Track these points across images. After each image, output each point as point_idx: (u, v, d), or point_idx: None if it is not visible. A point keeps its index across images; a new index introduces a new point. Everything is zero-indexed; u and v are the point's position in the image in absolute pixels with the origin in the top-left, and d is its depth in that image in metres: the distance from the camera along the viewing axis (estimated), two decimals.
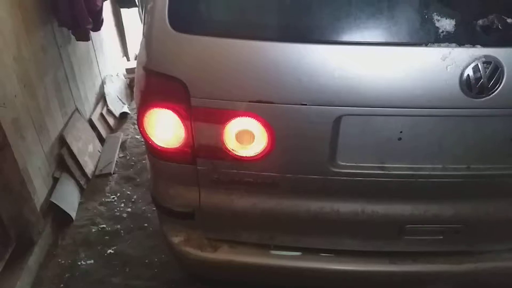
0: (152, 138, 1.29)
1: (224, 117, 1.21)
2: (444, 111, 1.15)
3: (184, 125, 1.23)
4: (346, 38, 1.11)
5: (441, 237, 1.39)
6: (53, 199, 2.38)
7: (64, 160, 2.61)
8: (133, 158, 3.13)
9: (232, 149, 1.25)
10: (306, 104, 1.16)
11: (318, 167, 1.27)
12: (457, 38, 1.06)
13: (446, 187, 1.30)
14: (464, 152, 1.25)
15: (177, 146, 1.28)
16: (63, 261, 2.22)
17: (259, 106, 1.17)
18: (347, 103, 1.15)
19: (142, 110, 1.25)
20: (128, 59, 4.48)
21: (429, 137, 1.22)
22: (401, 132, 1.21)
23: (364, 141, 1.24)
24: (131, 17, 4.40)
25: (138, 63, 1.31)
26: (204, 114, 1.21)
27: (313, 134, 1.21)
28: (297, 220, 1.37)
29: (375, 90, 1.12)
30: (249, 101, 1.17)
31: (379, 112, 1.16)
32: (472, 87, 1.09)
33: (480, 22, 1.06)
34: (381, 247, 1.43)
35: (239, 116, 1.20)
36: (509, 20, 1.05)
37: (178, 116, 1.22)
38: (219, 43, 1.15)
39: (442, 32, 1.06)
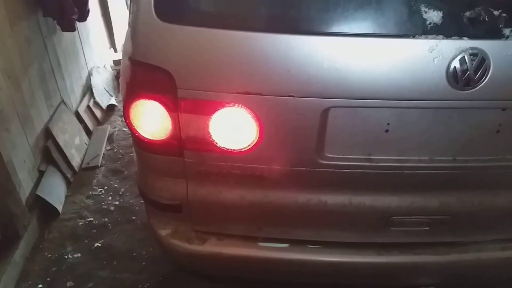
0: (138, 130, 1.28)
1: (211, 108, 1.19)
2: (431, 103, 1.15)
3: (170, 117, 1.22)
4: (334, 29, 1.11)
5: (427, 228, 1.40)
6: (39, 193, 2.35)
7: (50, 153, 2.57)
8: (120, 150, 3.11)
9: (219, 141, 1.24)
10: (294, 96, 1.15)
11: (305, 159, 1.27)
12: (444, 30, 1.06)
13: (433, 178, 1.31)
14: (450, 144, 1.25)
15: (164, 138, 1.27)
16: (49, 255, 2.20)
17: (247, 97, 1.17)
18: (335, 94, 1.15)
19: (128, 101, 1.23)
20: (115, 51, 4.42)
21: (416, 129, 1.22)
22: (388, 124, 1.21)
23: (351, 133, 1.24)
24: (118, 7, 4.34)
25: (123, 54, 1.29)
26: (191, 106, 1.20)
27: (301, 126, 1.21)
28: (285, 212, 1.37)
29: (363, 82, 1.12)
30: (237, 93, 1.16)
31: (367, 104, 1.16)
32: (459, 79, 1.09)
33: (467, 14, 1.06)
34: (368, 239, 1.44)
35: (226, 108, 1.19)
36: (495, 12, 1.05)
37: (165, 108, 1.21)
38: (206, 33, 1.13)
39: (430, 24, 1.06)
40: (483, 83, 1.10)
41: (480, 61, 1.08)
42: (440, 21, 1.06)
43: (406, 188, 1.34)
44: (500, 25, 1.06)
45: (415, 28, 1.07)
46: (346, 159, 1.27)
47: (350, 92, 1.14)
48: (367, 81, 1.12)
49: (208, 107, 1.19)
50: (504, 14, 1.05)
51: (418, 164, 1.27)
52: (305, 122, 1.20)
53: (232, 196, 1.35)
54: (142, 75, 1.21)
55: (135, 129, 1.27)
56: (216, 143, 1.24)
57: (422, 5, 1.06)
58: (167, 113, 1.22)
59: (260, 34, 1.12)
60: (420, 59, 1.08)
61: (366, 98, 1.15)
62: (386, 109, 1.19)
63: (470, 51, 1.07)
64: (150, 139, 1.29)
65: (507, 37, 1.06)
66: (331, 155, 1.27)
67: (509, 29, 1.06)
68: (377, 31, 1.09)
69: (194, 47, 1.14)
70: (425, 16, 1.06)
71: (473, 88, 1.11)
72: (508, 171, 1.30)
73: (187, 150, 1.28)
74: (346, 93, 1.14)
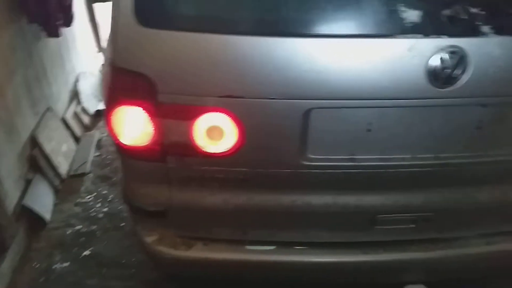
0: (121, 136, 1.27)
1: (193, 113, 1.19)
2: (412, 102, 1.16)
3: (152, 122, 1.21)
4: (313, 31, 1.11)
5: (412, 225, 1.40)
6: (25, 202, 2.32)
7: (36, 161, 2.54)
8: (109, 156, 3.08)
9: (202, 146, 1.24)
10: (275, 98, 1.15)
11: (288, 161, 1.26)
12: (422, 29, 1.07)
13: (416, 176, 1.31)
14: (432, 142, 1.26)
15: (146, 143, 1.26)
16: (38, 265, 2.16)
17: (228, 101, 1.16)
18: (316, 96, 1.15)
19: (109, 107, 1.22)
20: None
21: (398, 127, 1.23)
22: (370, 123, 1.21)
23: (334, 133, 1.24)
24: (105, 12, 4.31)
25: (105, 59, 1.28)
26: (172, 110, 1.19)
27: (283, 128, 1.21)
28: (270, 214, 1.37)
29: (343, 83, 1.13)
30: (219, 96, 1.16)
31: (348, 104, 1.16)
32: (438, 77, 1.10)
33: (445, 12, 1.07)
34: (354, 238, 1.44)
35: (208, 112, 1.19)
36: (473, 10, 1.06)
37: (146, 113, 1.20)
38: (186, 37, 1.13)
39: (408, 23, 1.06)
40: (462, 81, 1.11)
41: (459, 58, 1.08)
42: (419, 20, 1.06)
43: (389, 187, 1.35)
44: (479, 23, 1.07)
45: (393, 27, 1.08)
46: (329, 160, 1.27)
47: (330, 93, 1.14)
48: (347, 81, 1.12)
49: (190, 111, 1.19)
50: (482, 12, 1.07)
51: (401, 163, 1.27)
52: (287, 124, 1.20)
53: (216, 200, 1.34)
54: (122, 81, 1.20)
55: (117, 136, 1.26)
56: (199, 147, 1.24)
57: (401, 4, 1.06)
58: (148, 118, 1.21)
59: (240, 37, 1.12)
60: (399, 58, 1.09)
61: (347, 98, 1.15)
62: (367, 109, 1.19)
63: (449, 49, 1.08)
64: (132, 145, 1.28)
65: (486, 35, 1.08)
66: (314, 156, 1.27)
67: (488, 27, 1.07)
68: (355, 32, 1.10)
69: (174, 51, 1.14)
70: (403, 15, 1.06)
71: (453, 86, 1.11)
72: (490, 167, 1.31)
73: (170, 156, 1.27)
74: (327, 94, 1.14)
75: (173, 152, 1.26)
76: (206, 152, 1.24)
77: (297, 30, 1.11)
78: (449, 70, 1.09)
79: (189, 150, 1.24)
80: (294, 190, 1.34)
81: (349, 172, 1.29)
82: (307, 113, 1.18)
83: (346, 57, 1.11)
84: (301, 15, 1.11)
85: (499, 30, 1.07)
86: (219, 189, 1.33)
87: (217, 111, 1.18)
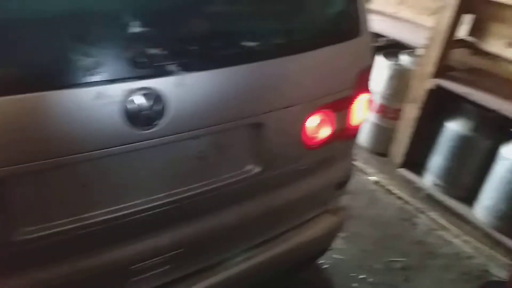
0: None
1: None
2: (122, 148, 1.10)
3: None
4: None
5: (168, 266, 1.37)
6: None
7: None
8: None
9: None
10: None
11: None
12: (106, 75, 1.01)
13: (153, 219, 1.27)
14: (159, 181, 1.24)
15: None
16: None
17: None
18: (7, 162, 0.98)
19: None
20: None
21: (118, 176, 1.17)
22: (87, 179, 1.11)
23: (51, 197, 1.10)
24: None
25: None
26: None
27: None
28: None
29: (35, 144, 0.99)
30: None
31: (48, 166, 1.03)
32: (138, 120, 1.07)
33: (128, 55, 1.03)
34: None
35: None
36: (155, 51, 1.06)
37: None
38: None
39: (88, 71, 0.99)
40: (166, 119, 1.11)
41: (155, 99, 1.07)
42: (100, 67, 1.00)
43: (130, 236, 1.27)
44: (164, 63, 1.08)
45: (75, 77, 0.99)
46: (52, 227, 1.12)
47: (26, 157, 0.99)
48: (39, 142, 0.99)
49: None
50: (165, 52, 1.07)
51: (133, 210, 1.21)
52: None
53: None
54: None
55: None
56: None
57: (77, 53, 0.98)
58: None
59: None
60: (91, 108, 1.01)
61: (51, 157, 1.02)
62: (80, 166, 1.09)
63: (141, 92, 1.05)
64: None
65: (174, 73, 1.09)
66: (32, 228, 1.09)
67: (174, 65, 1.09)
68: (36, 87, 0.97)
69: None
70: (82, 63, 0.98)
71: (158, 126, 1.10)
72: (221, 191, 1.37)
73: None
74: (22, 158, 0.99)
75: None
76: None
77: None
78: (147, 112, 1.07)
79: None
80: (17, 271, 1.13)
81: (79, 234, 1.15)
82: (2, 182, 1.00)
83: (35, 114, 0.97)
84: None
85: (186, 67, 1.10)
86: None
87: None
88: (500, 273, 2.50)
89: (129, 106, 1.05)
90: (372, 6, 3.60)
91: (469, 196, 2.77)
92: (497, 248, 2.61)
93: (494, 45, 2.74)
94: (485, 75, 2.77)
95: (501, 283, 2.42)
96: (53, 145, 1.01)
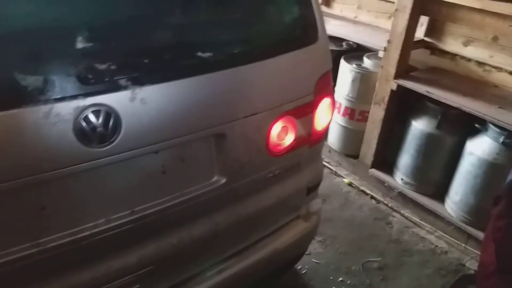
0: None
1: None
2: (78, 168, 1.06)
3: None
4: None
5: (138, 285, 1.33)
6: None
7: None
8: None
9: None
10: None
11: None
12: (54, 93, 0.98)
13: (118, 238, 1.23)
14: (122, 199, 1.21)
15: None
16: None
17: None
18: None
19: None
20: None
21: (77, 197, 1.13)
22: (41, 201, 1.07)
23: (3, 223, 1.05)
24: None
25: None
26: None
27: None
28: None
29: None
30: None
31: (6, 188, 0.99)
32: (92, 138, 1.04)
33: (75, 72, 1.00)
34: None
35: None
36: (104, 66, 1.04)
37: None
38: None
39: (37, 89, 0.96)
40: (122, 135, 1.09)
41: (107, 115, 1.05)
42: (47, 85, 0.97)
43: (94, 258, 1.23)
44: (114, 77, 1.05)
45: (21, 98, 0.95)
46: (9, 254, 1.07)
47: None
48: None
49: None
50: (113, 67, 1.05)
51: (96, 230, 1.17)
52: None
53: None
54: None
55: None
56: None
57: (21, 72, 0.94)
58: None
59: None
60: (41, 127, 0.98)
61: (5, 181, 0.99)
62: (37, 188, 1.05)
63: (92, 108, 1.03)
64: None
65: (126, 88, 1.07)
66: None
67: (125, 79, 1.07)
68: None
69: None
70: (26, 82, 0.95)
71: (113, 143, 1.08)
72: (189, 204, 1.35)
73: None
74: None
75: None
76: None
77: None
78: (101, 129, 1.05)
79: None
80: None
81: (38, 260, 1.10)
82: None
83: None
84: None
85: (138, 81, 1.09)
86: None
87: None
88: (475, 266, 2.55)
89: (82, 124, 1.02)
90: (333, 11, 3.68)
91: (440, 192, 2.83)
92: (470, 241, 2.67)
93: (452, 44, 2.83)
94: (445, 74, 2.86)
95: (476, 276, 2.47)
96: (3, 168, 0.97)
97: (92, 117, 1.03)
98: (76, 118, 1.01)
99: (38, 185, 1.04)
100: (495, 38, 2.60)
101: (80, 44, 0.99)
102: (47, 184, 1.06)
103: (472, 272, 2.52)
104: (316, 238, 2.61)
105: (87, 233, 1.16)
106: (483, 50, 2.69)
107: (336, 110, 3.31)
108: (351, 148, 3.34)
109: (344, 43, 3.44)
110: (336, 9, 3.65)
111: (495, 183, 2.46)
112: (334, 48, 3.39)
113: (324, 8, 3.71)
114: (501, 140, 2.37)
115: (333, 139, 3.44)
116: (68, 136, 1.01)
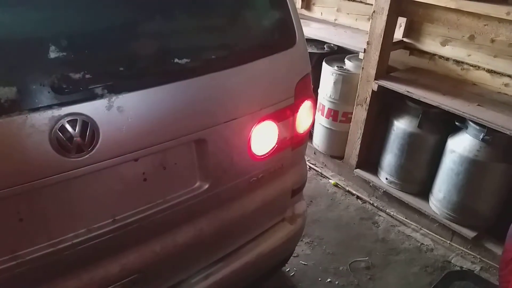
0: None
1: None
2: (56, 178, 1.05)
3: None
4: None
5: None
6: None
7: None
8: None
9: None
10: None
11: None
12: (31, 103, 0.97)
13: (100, 247, 1.22)
14: (103, 208, 1.20)
15: None
16: None
17: None
18: None
19: None
20: None
21: (56, 207, 1.12)
22: (19, 212, 1.06)
23: None
24: None
25: None
26: None
27: None
28: None
29: None
30: None
31: None
32: (69, 147, 1.03)
33: (48, 82, 0.99)
34: None
35: None
36: (78, 75, 1.03)
37: None
38: None
39: (8, 101, 0.94)
40: (99, 144, 1.08)
41: (83, 125, 1.04)
42: (20, 96, 0.96)
43: (77, 268, 1.22)
44: (89, 86, 1.05)
45: None
46: None
47: None
48: None
49: None
50: (88, 75, 1.04)
51: (76, 240, 1.16)
52: None
53: None
54: None
55: None
56: None
57: None
58: None
59: None
60: (16, 138, 0.97)
61: None
62: (11, 199, 1.03)
63: (69, 118, 1.02)
64: None
65: (102, 96, 1.06)
66: None
67: (100, 88, 1.06)
68: None
69: None
70: (1, 93, 0.94)
71: (91, 152, 1.07)
72: (173, 210, 1.34)
73: None
74: None
75: None
76: None
77: None
78: (78, 138, 1.04)
79: None
80: None
81: (17, 273, 1.09)
82: None
83: None
84: None
85: (113, 90, 1.08)
86: None
87: None
88: (460, 263, 2.59)
89: (58, 134, 1.01)
90: (313, 14, 3.71)
91: (424, 190, 2.86)
92: (455, 238, 2.70)
93: (430, 44, 2.88)
94: (425, 73, 2.90)
95: (463, 272, 2.50)
96: None
97: (68, 127, 1.02)
98: (51, 128, 1.00)
99: (14, 197, 1.03)
100: (471, 37, 2.65)
101: (53, 54, 0.98)
102: (24, 195, 1.04)
103: (458, 268, 2.55)
104: (303, 239, 2.62)
105: (68, 243, 1.15)
106: (461, 49, 2.74)
107: (319, 112, 3.33)
108: (336, 149, 3.37)
109: (325, 46, 3.47)
110: (316, 12, 3.69)
111: (477, 180, 2.50)
112: (315, 51, 3.42)
113: (304, 12, 3.74)
114: (481, 137, 2.41)
115: (318, 141, 3.47)
116: (44, 147, 1.00)
